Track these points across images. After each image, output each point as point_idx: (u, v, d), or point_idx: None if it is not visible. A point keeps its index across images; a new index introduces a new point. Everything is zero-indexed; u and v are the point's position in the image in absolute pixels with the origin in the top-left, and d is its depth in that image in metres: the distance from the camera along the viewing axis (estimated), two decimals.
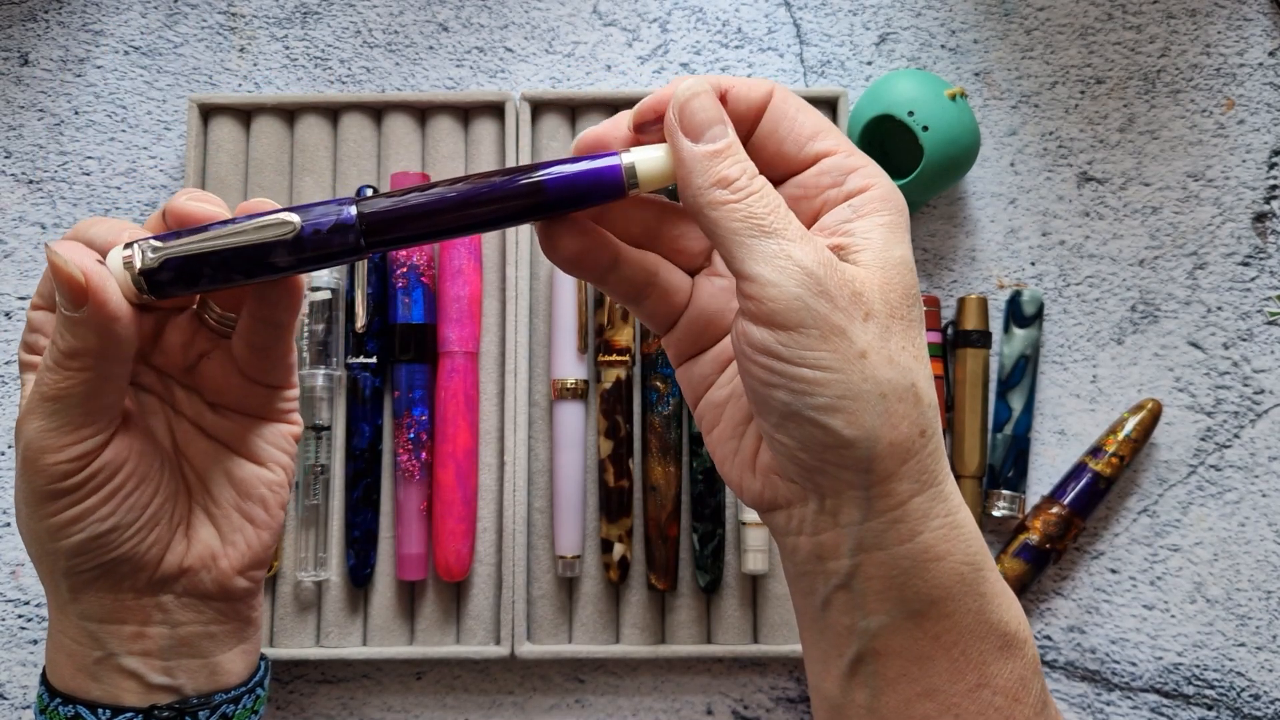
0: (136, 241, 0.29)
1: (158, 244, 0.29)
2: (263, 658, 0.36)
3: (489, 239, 0.56)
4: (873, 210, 0.29)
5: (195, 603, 0.33)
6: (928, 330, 0.55)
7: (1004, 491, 0.55)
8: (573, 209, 0.29)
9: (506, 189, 0.29)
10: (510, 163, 0.55)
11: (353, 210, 0.29)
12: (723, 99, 0.30)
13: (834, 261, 0.28)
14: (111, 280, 0.29)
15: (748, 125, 0.31)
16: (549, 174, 0.29)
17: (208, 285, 0.29)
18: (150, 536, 0.32)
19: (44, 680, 0.33)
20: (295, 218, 0.28)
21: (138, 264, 0.29)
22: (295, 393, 0.36)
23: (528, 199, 0.29)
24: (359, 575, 0.53)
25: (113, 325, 0.29)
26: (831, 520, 0.29)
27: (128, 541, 0.31)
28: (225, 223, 0.29)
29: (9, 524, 0.56)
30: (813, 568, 0.30)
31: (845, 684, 0.30)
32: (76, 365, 0.29)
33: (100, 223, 0.31)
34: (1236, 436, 0.56)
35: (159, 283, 0.29)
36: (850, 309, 0.27)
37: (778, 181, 0.31)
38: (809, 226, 0.30)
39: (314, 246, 0.29)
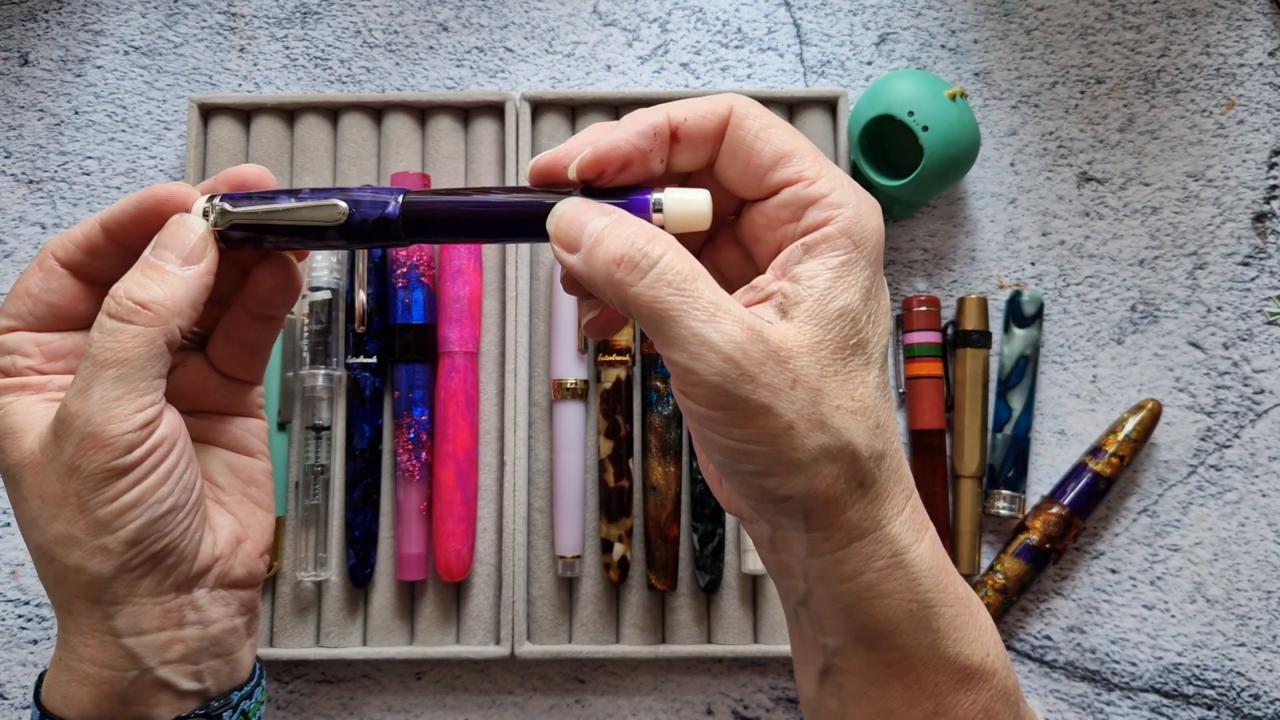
0: (211, 201, 0.31)
1: (229, 207, 0.31)
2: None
3: None
4: (824, 250, 0.28)
5: (225, 595, 0.33)
6: (928, 330, 0.55)
7: (1004, 491, 0.55)
8: None
9: (544, 207, 0.30)
10: (510, 163, 0.55)
11: (397, 206, 0.31)
12: (675, 135, 0.29)
13: (755, 332, 0.26)
14: (215, 245, 0.31)
15: (707, 154, 0.30)
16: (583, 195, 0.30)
17: (270, 245, 0.32)
18: (194, 521, 0.32)
19: (45, 713, 0.32)
20: (344, 205, 0.31)
21: (212, 220, 0.31)
22: (262, 389, 0.37)
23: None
24: (359, 575, 0.53)
25: (207, 287, 0.31)
26: (784, 546, 0.29)
27: (178, 526, 0.31)
28: (288, 193, 0.32)
29: (9, 524, 0.56)
30: (779, 579, 0.31)
31: (818, 689, 0.31)
32: (145, 319, 0.30)
33: (163, 196, 0.32)
34: (1236, 436, 0.56)
35: (228, 238, 0.32)
36: (774, 382, 0.26)
37: (745, 208, 0.31)
38: (770, 261, 0.29)
39: (361, 233, 0.31)
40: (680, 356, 0.26)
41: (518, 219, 0.30)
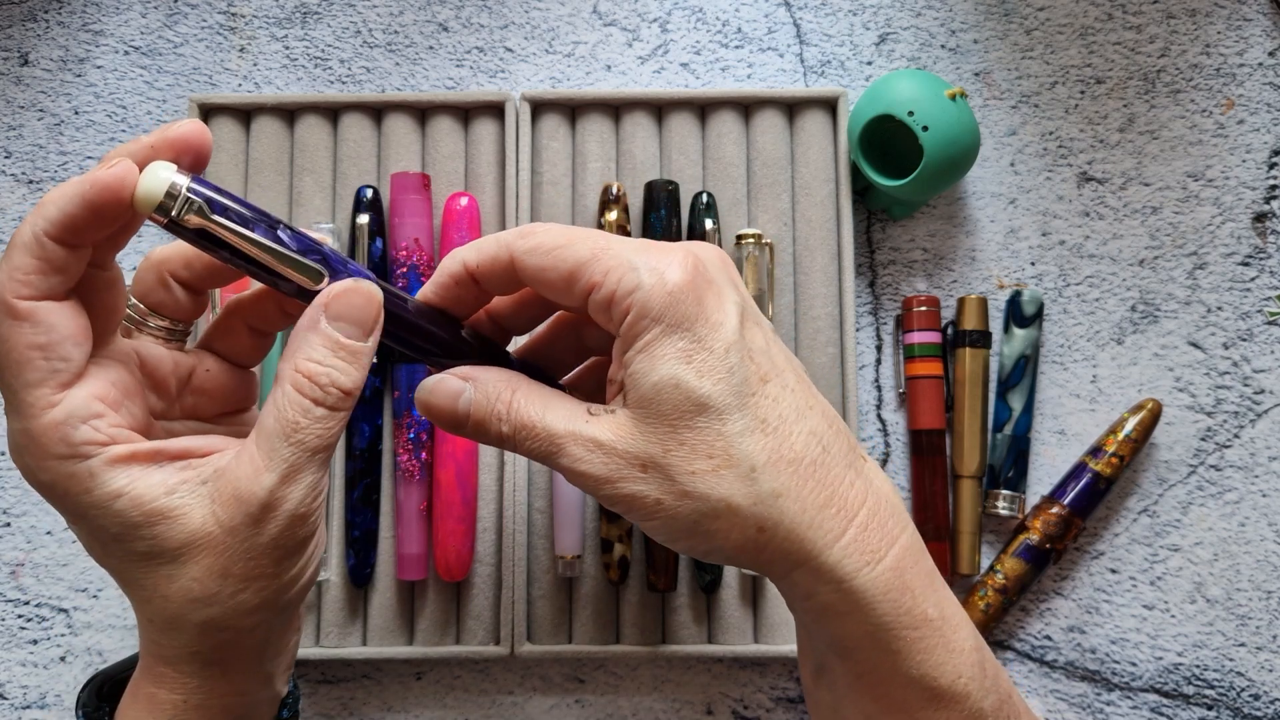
0: (186, 188, 0.28)
1: (210, 214, 0.28)
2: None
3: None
4: (633, 334, 0.29)
5: (285, 616, 0.33)
6: (928, 330, 0.55)
7: (1004, 491, 0.55)
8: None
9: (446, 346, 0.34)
10: (510, 163, 0.55)
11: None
12: (474, 278, 0.32)
13: (595, 441, 0.29)
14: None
15: (517, 288, 0.32)
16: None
17: (217, 256, 0.30)
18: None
19: None
20: (325, 275, 0.30)
21: (177, 212, 0.28)
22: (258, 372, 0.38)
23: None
24: (359, 575, 0.53)
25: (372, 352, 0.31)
26: None
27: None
28: (263, 219, 0.29)
29: (8, 524, 0.56)
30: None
31: (815, 681, 0.32)
32: (352, 402, 0.30)
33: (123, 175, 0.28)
34: (1236, 436, 0.56)
35: (180, 230, 0.29)
36: (626, 473, 0.29)
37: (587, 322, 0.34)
38: None
39: (309, 297, 0.31)
40: (566, 477, 0.30)
41: (420, 352, 0.33)
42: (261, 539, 0.28)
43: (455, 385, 0.31)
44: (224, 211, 0.29)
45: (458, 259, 0.32)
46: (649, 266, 0.29)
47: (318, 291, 0.30)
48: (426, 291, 0.33)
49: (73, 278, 0.28)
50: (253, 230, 0.29)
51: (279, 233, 0.29)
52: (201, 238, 0.29)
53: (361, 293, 0.30)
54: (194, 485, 0.28)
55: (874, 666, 0.29)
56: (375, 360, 0.53)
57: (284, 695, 0.34)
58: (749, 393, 0.29)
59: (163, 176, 0.28)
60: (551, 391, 0.31)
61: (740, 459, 0.28)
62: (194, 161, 0.29)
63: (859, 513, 0.29)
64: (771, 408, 0.29)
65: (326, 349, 0.29)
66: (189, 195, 0.28)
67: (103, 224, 0.27)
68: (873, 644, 0.29)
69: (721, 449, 0.28)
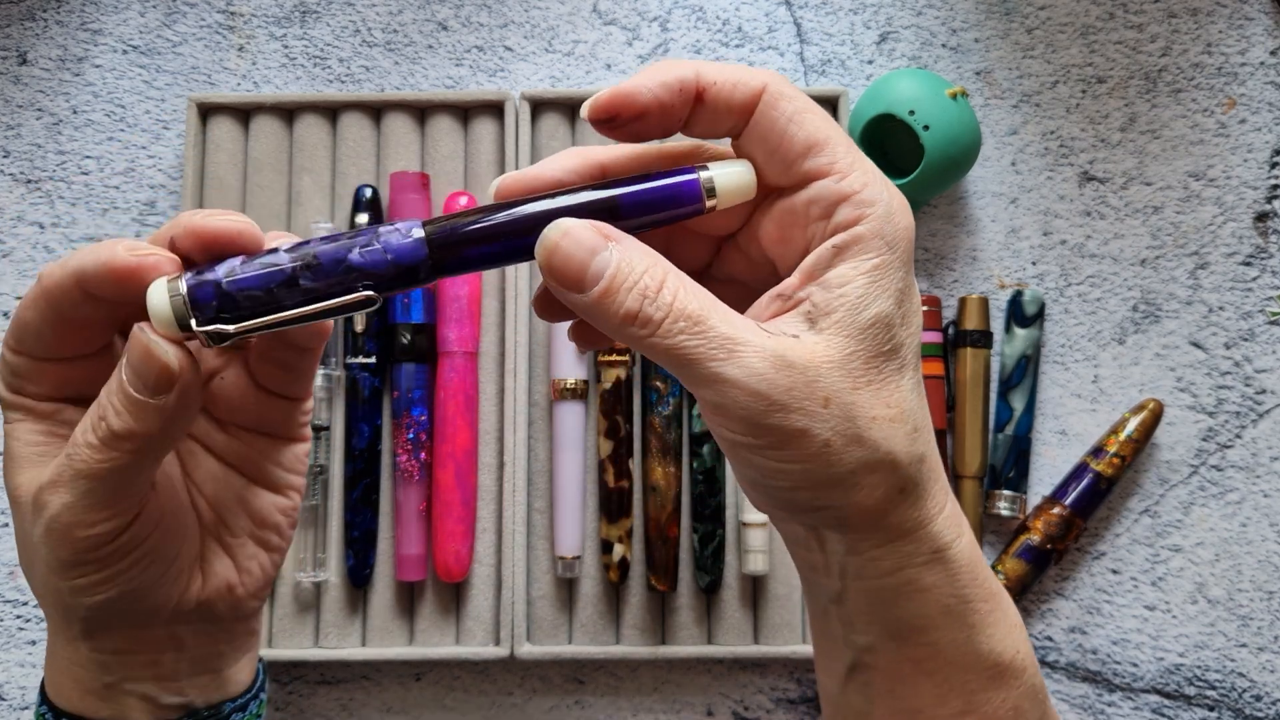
0: (186, 297, 0.26)
1: (225, 327, 0.26)
2: (259, 659, 0.36)
3: None
4: (856, 252, 0.26)
5: (208, 628, 0.32)
6: (929, 330, 0.55)
7: (1005, 492, 0.55)
8: (650, 226, 0.28)
9: (581, 207, 0.27)
10: (510, 162, 0.55)
11: (423, 247, 0.27)
12: (700, 96, 0.27)
13: (779, 359, 0.25)
14: (196, 367, 0.27)
15: (729, 125, 0.28)
16: (625, 192, 0.27)
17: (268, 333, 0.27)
18: (172, 585, 0.31)
19: (45, 698, 0.32)
20: (376, 294, 0.26)
21: (195, 325, 0.26)
22: (311, 404, 0.34)
23: (602, 216, 0.27)
24: (358, 576, 0.53)
25: (188, 412, 0.27)
26: (818, 546, 0.29)
27: (151, 592, 0.30)
28: (285, 278, 0.26)
29: (7, 524, 0.55)
30: (810, 576, 0.30)
31: (844, 686, 0.30)
32: (129, 447, 0.27)
33: (124, 266, 0.27)
34: (1238, 437, 0.56)
35: (217, 337, 0.26)
36: (806, 405, 0.25)
37: (767, 202, 0.29)
38: (799, 260, 0.27)
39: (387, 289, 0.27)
40: (706, 394, 0.25)
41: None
42: (37, 530, 0.28)
43: (593, 239, 0.26)
44: (237, 308, 0.26)
45: (689, 67, 0.27)
46: (891, 190, 0.27)
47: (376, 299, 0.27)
48: (639, 80, 0.27)
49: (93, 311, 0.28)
50: (282, 305, 0.26)
51: (303, 282, 0.26)
52: (238, 339, 0.27)
53: (146, 354, 0.26)
54: (38, 441, 0.29)
55: (943, 645, 0.28)
56: (374, 360, 0.53)
57: (178, 716, 0.32)
58: (917, 353, 0.28)
59: (160, 301, 0.26)
60: (706, 291, 0.27)
61: (909, 416, 0.27)
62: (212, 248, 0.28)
63: (949, 487, 0.29)
64: (919, 374, 0.28)
65: (114, 386, 0.27)
66: (208, 329, 0.26)
67: (120, 292, 0.27)
68: (949, 618, 0.28)
69: (899, 401, 0.27)
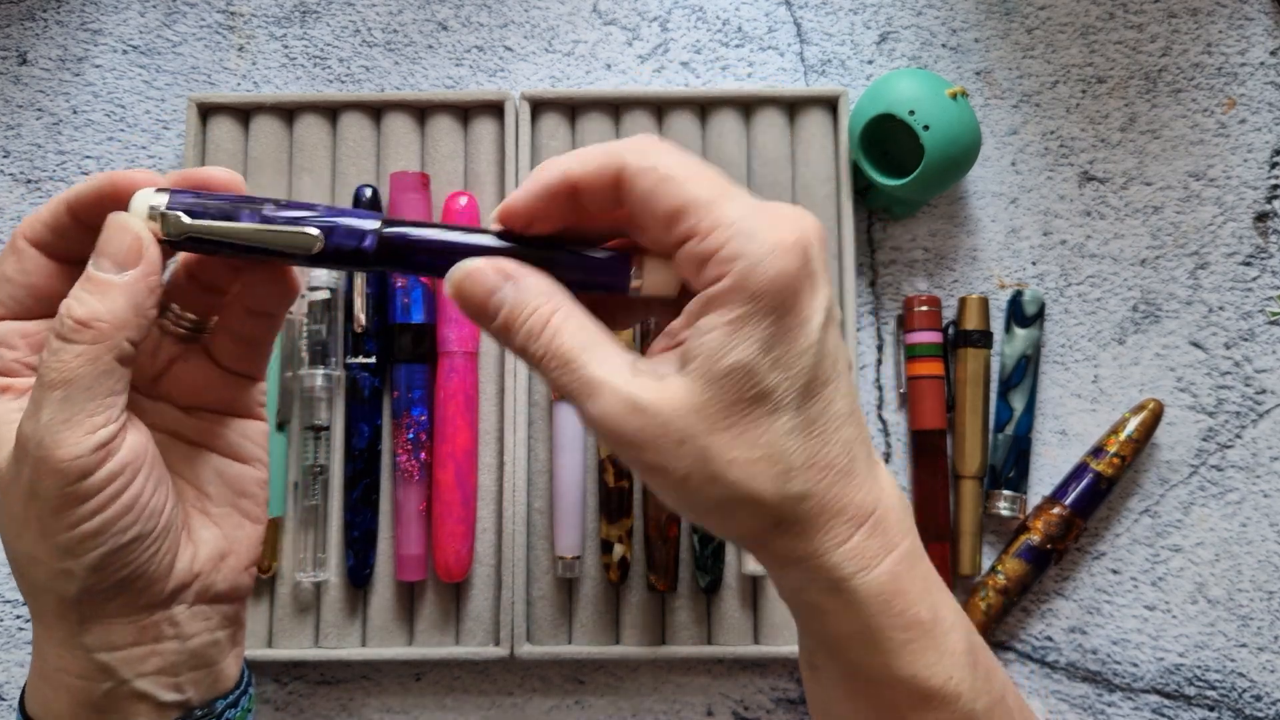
0: (166, 205, 0.29)
1: (184, 218, 0.29)
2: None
3: None
4: (719, 304, 0.27)
5: (206, 609, 0.32)
6: (929, 330, 0.55)
7: (1005, 492, 0.55)
8: (575, 288, 0.30)
9: (508, 252, 0.30)
10: (510, 162, 0.55)
11: (374, 240, 0.30)
12: (575, 193, 0.29)
13: (631, 405, 0.27)
14: (155, 244, 0.29)
15: (613, 205, 0.30)
16: (566, 254, 0.30)
17: (221, 255, 0.31)
18: (164, 545, 0.30)
19: (25, 716, 0.31)
20: (319, 235, 0.30)
21: (158, 228, 0.29)
22: (265, 386, 0.36)
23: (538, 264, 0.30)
24: (358, 576, 0.53)
25: (149, 297, 0.29)
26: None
27: (145, 553, 0.30)
28: (252, 206, 0.30)
29: None
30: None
31: (810, 676, 0.32)
32: (89, 338, 0.28)
33: (121, 178, 0.30)
34: (1238, 437, 0.56)
35: (176, 244, 0.30)
36: (660, 442, 0.27)
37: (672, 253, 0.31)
38: None
39: (329, 260, 0.30)
40: (583, 419, 0.28)
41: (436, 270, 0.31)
42: (21, 480, 0.28)
43: (492, 279, 0.29)
44: (203, 213, 0.29)
45: (558, 168, 0.29)
46: (763, 239, 0.27)
47: (319, 257, 0.30)
48: (518, 193, 0.30)
49: (75, 249, 0.31)
50: (238, 220, 0.29)
51: (265, 211, 0.30)
52: (194, 244, 0.30)
53: (119, 227, 0.29)
54: (16, 416, 0.30)
55: (863, 666, 0.29)
56: (374, 360, 0.53)
57: (176, 716, 0.32)
58: (809, 395, 0.28)
59: (142, 200, 0.29)
60: (595, 323, 0.29)
61: (780, 457, 0.28)
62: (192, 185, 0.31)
63: (866, 520, 0.29)
64: (821, 412, 0.28)
65: (80, 284, 0.29)
66: (166, 211, 0.29)
67: (105, 212, 0.30)
68: (861, 644, 0.29)
69: (765, 444, 0.27)
